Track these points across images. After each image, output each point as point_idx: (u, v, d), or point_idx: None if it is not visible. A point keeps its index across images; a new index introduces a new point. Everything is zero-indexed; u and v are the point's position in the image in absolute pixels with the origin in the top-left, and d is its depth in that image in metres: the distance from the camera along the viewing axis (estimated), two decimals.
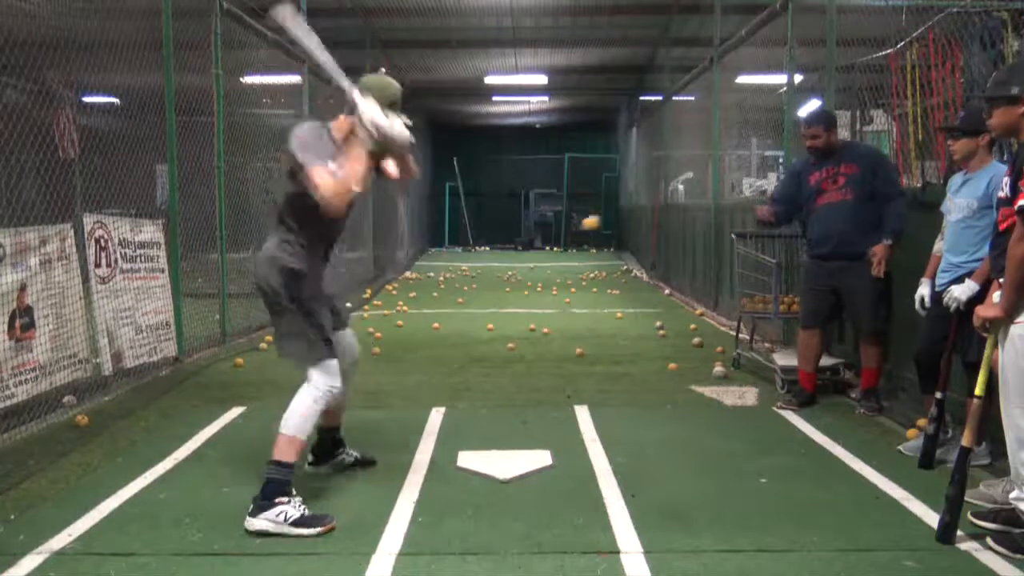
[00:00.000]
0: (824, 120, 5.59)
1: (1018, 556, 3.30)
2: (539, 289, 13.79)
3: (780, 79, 8.20)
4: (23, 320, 5.01)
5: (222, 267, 7.95)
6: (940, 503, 3.54)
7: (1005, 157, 4.54)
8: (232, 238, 8.12)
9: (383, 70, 15.87)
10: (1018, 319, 3.26)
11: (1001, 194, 3.46)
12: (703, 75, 11.33)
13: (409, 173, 3.98)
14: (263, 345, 7.95)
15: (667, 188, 15.13)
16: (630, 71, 18.12)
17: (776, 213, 5.87)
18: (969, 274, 4.19)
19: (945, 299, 4.22)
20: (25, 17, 6.27)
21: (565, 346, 8.05)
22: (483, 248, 24.39)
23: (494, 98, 21.15)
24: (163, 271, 6.81)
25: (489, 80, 18.45)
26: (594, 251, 23.27)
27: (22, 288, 5.00)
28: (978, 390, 3.55)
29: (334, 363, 3.78)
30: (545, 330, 9.00)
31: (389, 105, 3.80)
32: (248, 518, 3.55)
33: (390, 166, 3.84)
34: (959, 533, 3.47)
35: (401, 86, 3.97)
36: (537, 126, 26.05)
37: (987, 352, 3.49)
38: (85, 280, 5.68)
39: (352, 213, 3.95)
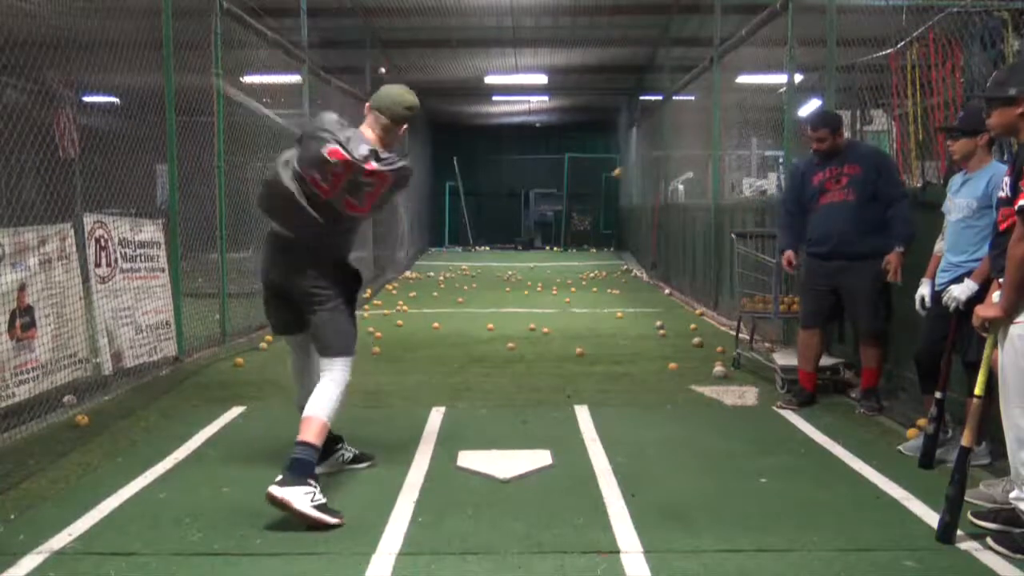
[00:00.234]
0: (831, 122, 5.57)
1: (1018, 556, 3.30)
2: (539, 289, 13.78)
3: (780, 79, 8.20)
4: (24, 320, 5.02)
5: (222, 267, 7.95)
6: (940, 503, 3.54)
7: (1005, 157, 4.54)
8: (232, 238, 8.13)
9: (383, 70, 15.89)
10: (1018, 319, 3.26)
11: (1001, 194, 3.46)
12: (703, 75, 11.33)
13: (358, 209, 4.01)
14: (263, 345, 7.96)
15: (667, 188, 15.13)
16: (630, 71, 18.11)
17: (796, 248, 5.77)
18: (969, 274, 4.19)
19: (944, 299, 4.22)
20: (25, 17, 6.26)
21: (565, 346, 8.05)
22: (483, 248, 24.38)
23: (494, 98, 21.13)
24: (163, 271, 6.81)
25: (489, 80, 18.44)
26: (594, 251, 23.27)
27: (22, 288, 5.00)
28: (978, 390, 3.55)
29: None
30: (545, 330, 9.00)
31: (397, 122, 3.94)
32: (275, 486, 3.57)
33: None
34: (959, 533, 3.47)
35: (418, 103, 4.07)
36: (537, 126, 26.03)
37: (987, 352, 3.49)
38: (85, 280, 5.68)
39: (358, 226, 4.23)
